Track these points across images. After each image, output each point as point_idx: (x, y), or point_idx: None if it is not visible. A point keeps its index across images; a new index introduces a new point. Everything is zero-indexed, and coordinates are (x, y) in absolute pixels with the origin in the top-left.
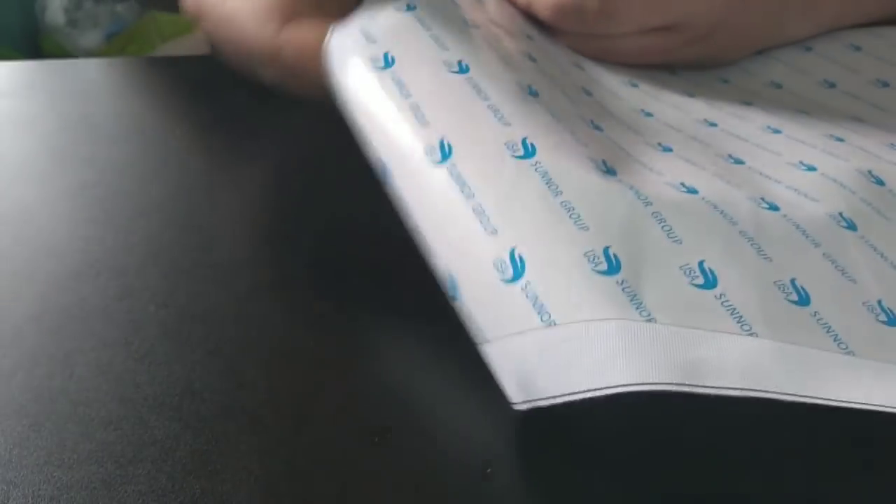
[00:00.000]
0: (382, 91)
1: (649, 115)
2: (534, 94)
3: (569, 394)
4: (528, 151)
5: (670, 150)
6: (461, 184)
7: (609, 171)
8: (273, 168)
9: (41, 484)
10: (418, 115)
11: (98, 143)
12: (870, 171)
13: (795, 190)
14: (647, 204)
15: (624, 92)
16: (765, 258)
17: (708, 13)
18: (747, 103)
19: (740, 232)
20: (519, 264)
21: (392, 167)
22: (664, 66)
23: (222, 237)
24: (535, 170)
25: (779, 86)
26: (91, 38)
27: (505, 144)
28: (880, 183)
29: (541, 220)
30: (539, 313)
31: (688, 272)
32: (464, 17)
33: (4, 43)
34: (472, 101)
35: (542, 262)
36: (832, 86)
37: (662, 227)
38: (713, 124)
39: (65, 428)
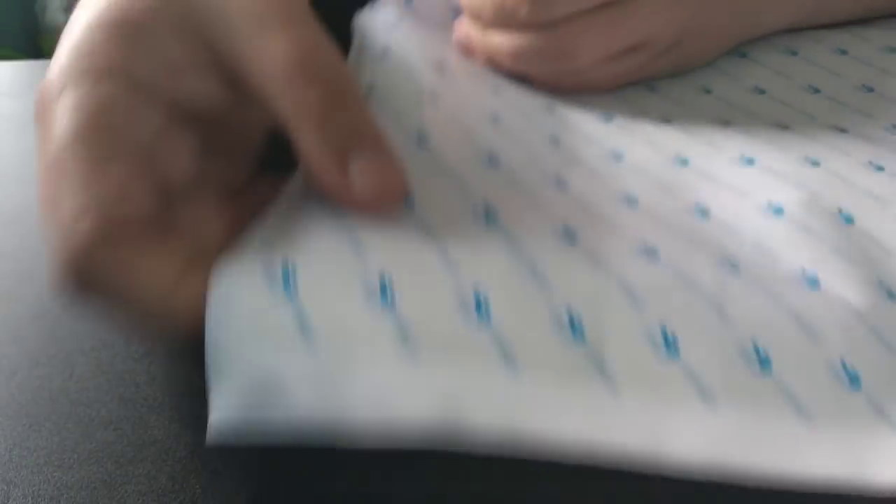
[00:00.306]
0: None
1: (619, 157)
2: (494, 163)
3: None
4: (490, 217)
5: (636, 202)
6: (427, 228)
7: (570, 235)
8: (275, 169)
9: (41, 484)
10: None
11: None
12: (839, 210)
13: (759, 246)
14: (608, 270)
15: (596, 131)
16: (726, 319)
17: (671, 24)
18: (725, 123)
19: (700, 292)
20: (483, 306)
21: None
22: (641, 83)
23: None
24: (497, 227)
25: (762, 91)
26: None
27: (470, 207)
28: (849, 221)
29: (505, 269)
30: (505, 361)
31: (649, 338)
32: (420, 90)
33: (5, 43)
34: (435, 172)
35: (510, 308)
36: (816, 91)
37: (623, 288)
38: (684, 162)
39: (65, 428)
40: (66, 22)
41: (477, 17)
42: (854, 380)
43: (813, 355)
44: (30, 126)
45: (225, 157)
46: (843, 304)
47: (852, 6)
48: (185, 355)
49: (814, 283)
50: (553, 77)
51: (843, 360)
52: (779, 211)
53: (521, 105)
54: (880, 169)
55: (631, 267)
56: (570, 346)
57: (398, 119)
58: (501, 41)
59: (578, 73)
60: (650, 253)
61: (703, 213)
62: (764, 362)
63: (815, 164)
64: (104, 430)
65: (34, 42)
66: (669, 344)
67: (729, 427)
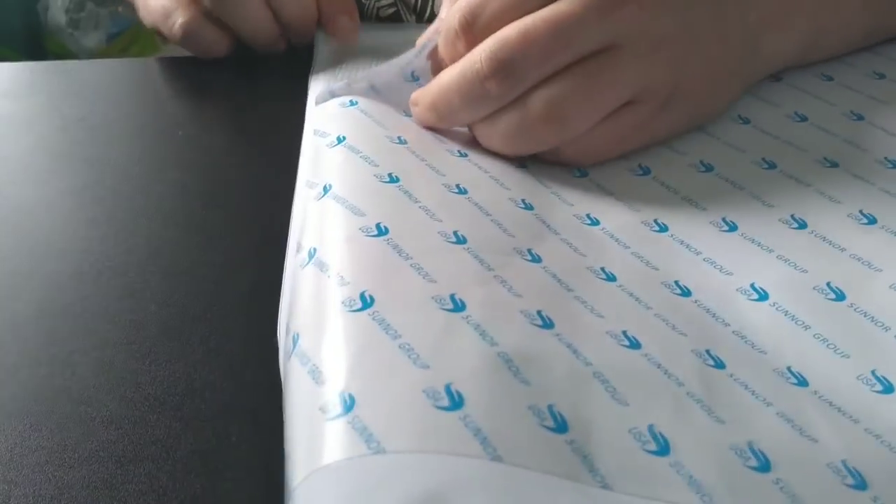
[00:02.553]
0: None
1: (595, 222)
2: (461, 240)
3: None
4: (458, 306)
5: (614, 279)
6: (385, 326)
7: (546, 323)
8: (274, 168)
9: (42, 483)
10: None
11: (99, 143)
12: (828, 284)
13: (743, 337)
14: (587, 364)
15: (571, 190)
16: (717, 421)
17: (659, 70)
18: (706, 168)
19: (688, 393)
20: (456, 397)
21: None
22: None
23: (223, 237)
24: (467, 322)
25: (746, 121)
26: (93, 39)
27: (432, 298)
28: (840, 297)
29: (477, 364)
30: (482, 444)
31: (638, 437)
32: (386, 173)
33: (7, 44)
34: (393, 262)
35: (484, 402)
36: (804, 119)
37: (605, 387)
38: (663, 228)
39: (66, 427)
40: (67, 23)
41: (448, 116)
42: (860, 482)
43: (813, 456)
44: (29, 127)
45: None
46: (833, 406)
47: (847, 33)
48: (188, 355)
49: (802, 382)
50: (554, 153)
51: (845, 461)
52: (763, 296)
53: (491, 167)
54: (872, 222)
55: (611, 359)
56: (552, 436)
57: (355, 211)
58: (489, 132)
59: (579, 143)
60: (631, 342)
61: (685, 290)
62: (762, 463)
63: (802, 225)
64: (105, 430)
65: (38, 43)
66: (658, 441)
67: None
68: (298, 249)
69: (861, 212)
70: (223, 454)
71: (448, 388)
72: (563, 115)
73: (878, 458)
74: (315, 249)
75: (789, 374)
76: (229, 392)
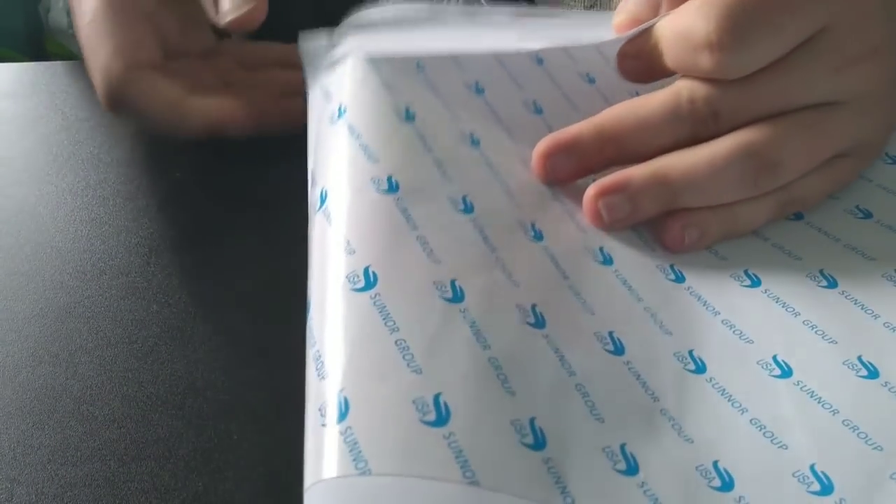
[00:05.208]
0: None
1: None
2: (468, 209)
3: None
4: (457, 295)
5: (611, 262)
6: (384, 315)
7: (538, 321)
8: (276, 169)
9: (45, 481)
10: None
11: (100, 143)
12: (821, 271)
13: (731, 327)
14: (572, 374)
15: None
16: (686, 440)
17: (882, 123)
18: None
19: (661, 410)
20: (444, 411)
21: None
22: None
23: (225, 237)
24: (464, 316)
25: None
26: None
27: (433, 283)
28: (832, 284)
29: (468, 370)
30: (462, 468)
31: (610, 455)
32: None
33: (8, 45)
34: (400, 231)
35: (469, 417)
36: (868, 215)
37: (585, 401)
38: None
39: (68, 426)
40: (68, 24)
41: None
42: (827, 487)
43: (779, 466)
44: (32, 127)
45: (198, 27)
46: (813, 398)
47: None
48: (189, 354)
49: (786, 373)
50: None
51: (814, 465)
52: (756, 282)
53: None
54: (868, 216)
55: (593, 368)
56: (530, 453)
57: (368, 154)
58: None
59: (787, 191)
60: (616, 346)
61: (679, 275)
62: (726, 482)
63: (798, 216)
64: (107, 428)
65: (38, 44)
66: (628, 460)
67: None
68: (313, 184)
69: (857, 207)
70: (225, 453)
71: (437, 400)
72: (779, 159)
73: (850, 455)
74: (326, 193)
75: (774, 365)
76: (231, 391)
